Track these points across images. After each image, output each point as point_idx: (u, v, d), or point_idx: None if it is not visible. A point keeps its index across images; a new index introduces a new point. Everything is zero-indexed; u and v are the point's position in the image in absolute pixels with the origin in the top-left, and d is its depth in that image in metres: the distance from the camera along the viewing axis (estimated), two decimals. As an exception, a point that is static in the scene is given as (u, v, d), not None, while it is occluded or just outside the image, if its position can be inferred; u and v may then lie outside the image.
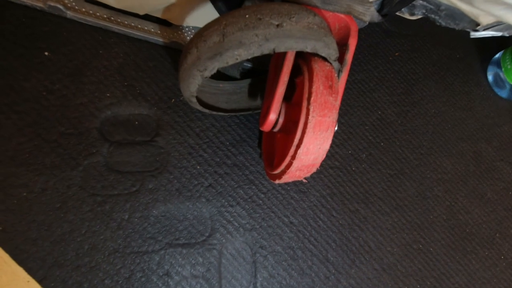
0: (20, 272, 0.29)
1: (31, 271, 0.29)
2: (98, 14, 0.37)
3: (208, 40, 0.24)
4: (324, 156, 0.28)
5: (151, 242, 0.33)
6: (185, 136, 0.37)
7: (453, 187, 0.48)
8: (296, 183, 0.40)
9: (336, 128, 0.32)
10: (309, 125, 0.26)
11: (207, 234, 0.36)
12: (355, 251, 0.40)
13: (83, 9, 0.36)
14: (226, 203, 0.37)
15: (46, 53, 0.35)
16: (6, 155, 0.31)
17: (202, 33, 0.25)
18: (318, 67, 0.27)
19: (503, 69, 0.54)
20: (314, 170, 0.29)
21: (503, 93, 0.56)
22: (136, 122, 0.36)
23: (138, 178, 0.35)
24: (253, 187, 0.38)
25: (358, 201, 0.42)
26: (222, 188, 0.37)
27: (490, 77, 0.57)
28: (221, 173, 0.38)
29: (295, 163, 0.27)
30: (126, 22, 0.38)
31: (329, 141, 0.27)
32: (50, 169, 0.32)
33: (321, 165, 0.42)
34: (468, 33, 0.30)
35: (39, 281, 0.29)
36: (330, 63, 0.29)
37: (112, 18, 0.37)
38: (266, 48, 0.24)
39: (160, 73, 0.38)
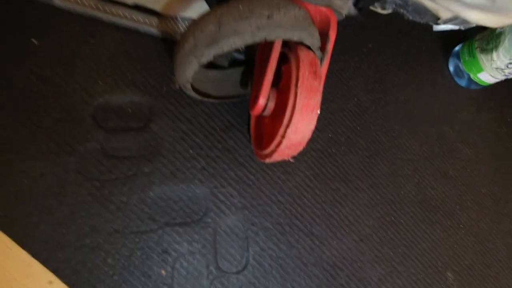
0: (23, 255, 0.30)
1: (35, 254, 0.30)
2: (85, 2, 0.37)
3: (204, 29, 0.27)
4: (310, 135, 0.31)
5: (149, 222, 0.35)
6: (177, 122, 0.39)
7: (420, 166, 0.53)
8: (282, 165, 0.43)
9: (318, 112, 0.35)
10: (297, 107, 0.29)
11: (201, 214, 0.38)
12: (337, 224, 0.44)
13: (72, -2, 0.37)
14: (218, 184, 0.39)
15: (35, 41, 0.35)
16: (2, 143, 0.32)
17: (198, 23, 0.27)
18: (304, 55, 0.30)
19: (461, 60, 0.60)
20: (301, 149, 0.33)
21: (462, 82, 0.63)
22: (129, 109, 0.38)
23: (134, 163, 0.36)
24: (243, 168, 0.41)
25: (339, 180, 0.46)
26: (214, 170, 0.40)
27: (451, 68, 0.63)
28: (213, 156, 0.40)
29: (285, 142, 0.30)
30: (114, 11, 0.38)
31: (314, 122, 0.30)
32: (47, 154, 0.33)
33: (305, 147, 0.45)
34: (432, 27, 0.34)
35: (43, 262, 0.30)
36: (314, 52, 0.32)
37: (100, 7, 0.38)
38: (258, 37, 0.26)
39: (150, 61, 0.40)
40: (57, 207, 0.32)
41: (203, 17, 0.27)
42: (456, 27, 0.34)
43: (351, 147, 0.49)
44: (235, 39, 0.26)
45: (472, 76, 0.60)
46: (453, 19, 0.32)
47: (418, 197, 0.51)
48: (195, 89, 0.36)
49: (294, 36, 0.28)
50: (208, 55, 0.27)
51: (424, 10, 0.32)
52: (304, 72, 0.29)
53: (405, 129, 0.54)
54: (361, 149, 0.49)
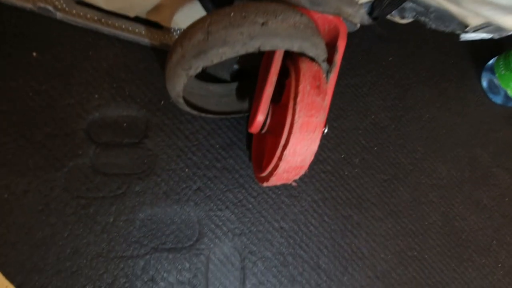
0: (-2, 277, 0.28)
1: (9, 276, 0.28)
2: (88, 16, 0.37)
3: (192, 38, 0.24)
4: (312, 157, 0.27)
5: (136, 247, 0.33)
6: (174, 139, 0.37)
7: (448, 193, 0.47)
8: (287, 187, 0.39)
9: (326, 130, 0.32)
10: (296, 126, 0.25)
11: (194, 239, 0.35)
12: (348, 257, 0.39)
13: (73, 11, 0.36)
14: (215, 207, 0.36)
15: (34, 54, 0.35)
16: (-12, 156, 0.31)
17: (187, 31, 0.25)
18: (306, 67, 0.26)
19: (497, 75, 0.54)
20: (302, 172, 0.29)
21: (498, 99, 0.56)
22: (125, 124, 0.36)
23: (124, 181, 0.34)
24: (243, 190, 0.37)
25: (351, 206, 0.41)
26: (211, 192, 0.36)
27: (484, 83, 0.57)
28: (210, 176, 0.37)
29: (282, 165, 0.27)
30: (116, 24, 0.37)
31: (317, 142, 0.27)
32: (33, 170, 0.31)
33: (313, 169, 0.41)
34: (459, 37, 0.30)
35: (17, 286, 0.28)
36: (318, 64, 0.28)
37: (102, 20, 0.37)
38: (251, 47, 0.23)
39: (150, 75, 0.38)
40: (38, 226, 0.30)
41: (192, 25, 0.25)
42: (488, 36, 0.29)
43: (366, 169, 0.44)
44: (225, 49, 0.23)
45: (509, 92, 0.53)
46: (485, 26, 0.27)
47: (445, 229, 0.45)
48: (192, 104, 0.34)
49: (294, 46, 0.25)
50: (196, 67, 0.24)
51: (449, 17, 0.28)
52: (305, 86, 0.25)
53: (430, 151, 0.48)
54: (378, 172, 0.44)
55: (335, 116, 0.45)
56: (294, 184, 0.37)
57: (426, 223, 0.44)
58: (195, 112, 0.34)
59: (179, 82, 0.26)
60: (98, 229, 0.32)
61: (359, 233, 0.41)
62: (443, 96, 0.53)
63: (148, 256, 0.33)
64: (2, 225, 0.29)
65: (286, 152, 0.26)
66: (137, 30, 0.38)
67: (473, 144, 0.51)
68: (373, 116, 0.47)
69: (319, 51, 0.27)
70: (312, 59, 0.28)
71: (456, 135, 0.51)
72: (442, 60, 0.55)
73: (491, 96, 0.57)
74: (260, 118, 0.30)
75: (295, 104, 0.25)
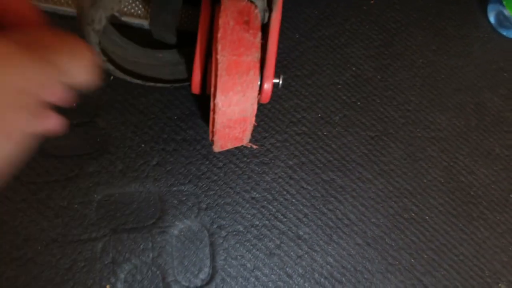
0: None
1: (-37, 267, 0.28)
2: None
3: (88, -15, 0.21)
4: (255, 106, 0.24)
5: (93, 229, 0.31)
6: (127, 115, 0.35)
7: (450, 146, 0.41)
8: (256, 154, 0.36)
9: (280, 82, 0.28)
10: (221, 66, 0.21)
11: (156, 217, 0.32)
12: (332, 225, 0.35)
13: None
14: (176, 181, 0.34)
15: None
16: None
17: (85, -21, 0.22)
18: (229, 2, 0.22)
19: (504, 2, 0.46)
20: (249, 127, 0.25)
21: (511, 33, 0.48)
22: (74, 104, 0.34)
23: (76, 162, 0.32)
24: (207, 162, 0.35)
25: (333, 169, 0.37)
26: (171, 166, 0.34)
27: (492, 18, 0.49)
28: (169, 150, 0.34)
29: (218, 118, 0.23)
30: (56, 0, 0.35)
31: (256, 87, 0.23)
32: (-20, 159, 0.30)
33: (285, 132, 0.37)
34: None
35: (-28, 277, 0.28)
36: (250, 1, 0.24)
37: (40, -2, 0.35)
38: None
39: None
40: (-12, 215, 0.29)
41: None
42: None
43: (349, 127, 0.39)
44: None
45: (520, 21, 0.45)
46: None
47: (449, 186, 0.39)
48: (140, 75, 0.31)
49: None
50: (98, 18, 0.21)
51: None
52: (228, 21, 0.22)
53: (426, 100, 0.42)
54: (363, 129, 0.39)
55: (309, 73, 0.40)
56: (254, 146, 0.33)
57: (425, 181, 0.39)
58: (139, 81, 0.32)
59: (90, 42, 0.23)
60: (51, 214, 0.30)
61: (344, 198, 0.36)
62: (440, 37, 0.46)
63: (107, 238, 0.31)
64: (-52, 216, 0.29)
65: (217, 101, 0.22)
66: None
67: (479, 88, 0.45)
68: (354, 68, 0.42)
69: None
70: (242, -5, 0.24)
71: (457, 80, 0.44)
72: (436, -3, 0.48)
73: (501, 31, 0.49)
74: (196, 77, 0.26)
75: (216, 42, 0.21)
